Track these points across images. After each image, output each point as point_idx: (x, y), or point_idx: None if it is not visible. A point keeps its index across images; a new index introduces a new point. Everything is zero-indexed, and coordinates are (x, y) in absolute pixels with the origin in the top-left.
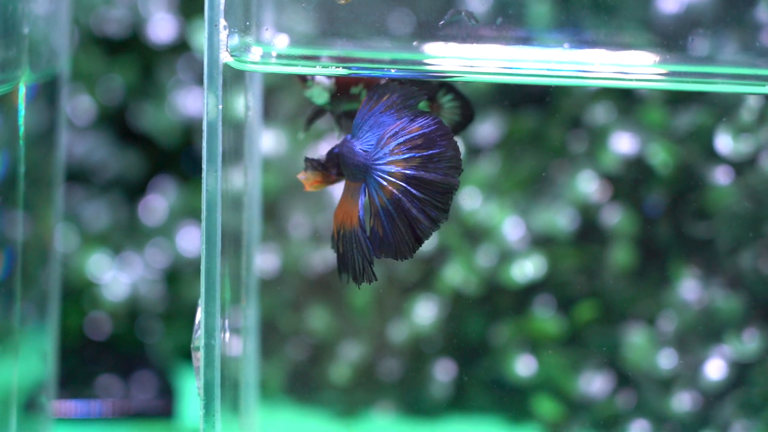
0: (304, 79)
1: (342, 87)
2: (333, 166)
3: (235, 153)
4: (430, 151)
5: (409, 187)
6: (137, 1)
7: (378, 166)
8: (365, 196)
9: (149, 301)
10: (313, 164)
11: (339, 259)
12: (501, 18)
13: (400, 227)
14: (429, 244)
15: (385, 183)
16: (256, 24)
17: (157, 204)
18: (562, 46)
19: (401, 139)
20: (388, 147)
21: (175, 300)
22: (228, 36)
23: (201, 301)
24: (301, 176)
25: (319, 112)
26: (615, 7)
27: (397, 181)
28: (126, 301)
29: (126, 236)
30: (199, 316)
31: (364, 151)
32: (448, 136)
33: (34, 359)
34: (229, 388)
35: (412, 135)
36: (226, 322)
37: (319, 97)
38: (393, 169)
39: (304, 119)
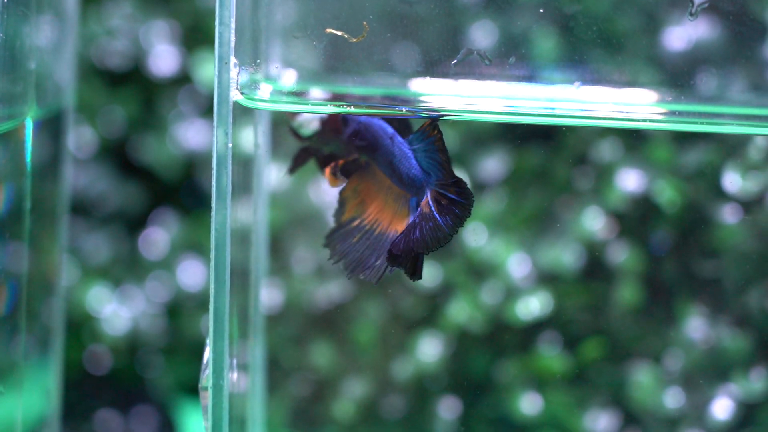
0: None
1: (331, 120)
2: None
3: (243, 189)
4: (461, 213)
5: (434, 221)
6: (139, 33)
7: (433, 192)
8: (413, 213)
9: (150, 335)
10: (338, 171)
11: (348, 246)
12: (513, 57)
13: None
14: (434, 281)
15: (425, 207)
16: (265, 61)
17: (158, 237)
18: (573, 84)
19: (448, 194)
20: (436, 189)
21: (176, 334)
22: (238, 74)
23: (209, 340)
24: (329, 178)
25: (304, 153)
26: (621, 45)
27: (433, 213)
28: (126, 335)
29: (127, 269)
30: (207, 354)
31: (421, 169)
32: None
33: (37, 395)
34: (236, 425)
35: (457, 198)
36: (234, 361)
37: (307, 126)
38: (435, 205)
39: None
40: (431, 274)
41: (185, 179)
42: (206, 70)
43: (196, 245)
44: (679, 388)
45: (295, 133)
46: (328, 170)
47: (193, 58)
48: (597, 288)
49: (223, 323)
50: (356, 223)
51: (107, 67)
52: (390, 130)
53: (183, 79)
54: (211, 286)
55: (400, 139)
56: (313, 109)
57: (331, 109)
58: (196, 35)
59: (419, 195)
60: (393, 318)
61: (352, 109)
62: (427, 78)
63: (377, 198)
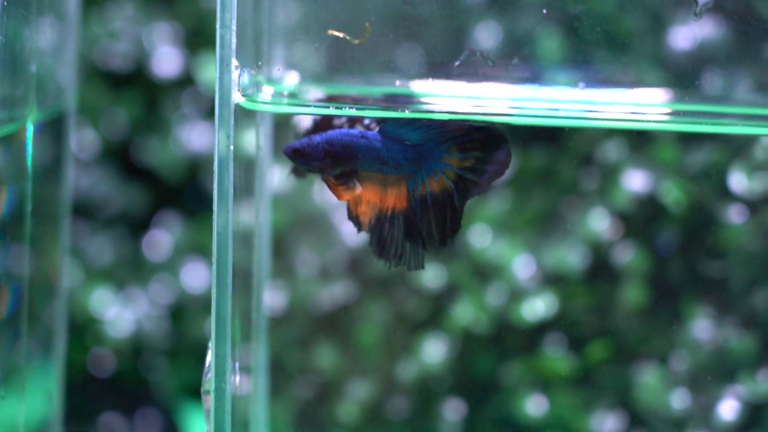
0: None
1: (326, 118)
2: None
3: (245, 191)
4: (484, 153)
5: (455, 189)
6: (142, 35)
7: (434, 160)
8: (415, 184)
9: (154, 337)
10: (347, 183)
11: (379, 242)
12: (516, 58)
13: (431, 219)
14: (438, 282)
15: (436, 178)
16: (267, 63)
17: (161, 239)
18: (577, 85)
19: (461, 140)
20: (446, 145)
21: (180, 337)
22: (239, 76)
23: (211, 344)
24: (341, 191)
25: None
26: (626, 45)
27: (448, 181)
28: (130, 337)
29: (130, 272)
30: (210, 358)
31: (413, 145)
32: (503, 139)
33: (39, 398)
34: (238, 429)
35: (472, 138)
36: (237, 364)
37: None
38: (448, 167)
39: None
40: (435, 275)
41: (189, 181)
42: (209, 72)
43: (199, 247)
44: (685, 390)
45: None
46: (338, 187)
47: (195, 60)
48: (602, 289)
49: (225, 326)
50: (376, 221)
51: (109, 69)
52: (355, 131)
53: (186, 81)
54: (213, 289)
55: (371, 133)
56: (315, 111)
57: (333, 110)
58: (199, 37)
59: (419, 169)
60: (397, 320)
61: (354, 111)
62: (430, 79)
63: (370, 190)
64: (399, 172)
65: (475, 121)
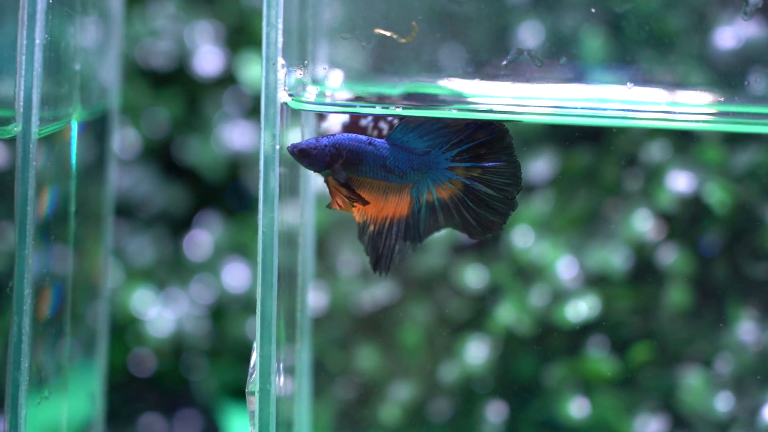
0: (321, 116)
1: (354, 120)
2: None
3: (290, 191)
4: (492, 163)
5: (466, 198)
6: (183, 34)
7: (439, 170)
8: (418, 193)
9: (194, 337)
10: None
11: (376, 253)
12: (564, 57)
13: (440, 222)
14: (481, 283)
15: (444, 187)
16: (312, 62)
17: (202, 239)
18: (625, 84)
19: (464, 146)
20: (450, 153)
21: (220, 336)
22: (285, 75)
23: (256, 344)
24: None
25: None
26: (672, 44)
27: (456, 189)
28: (171, 337)
29: (171, 272)
30: (254, 358)
31: (419, 154)
32: (509, 150)
33: (82, 398)
34: (282, 429)
35: (475, 143)
36: (281, 365)
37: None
38: (454, 176)
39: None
40: (478, 276)
41: (230, 181)
42: (251, 71)
43: (240, 247)
44: (730, 392)
45: None
46: (346, 198)
47: (237, 58)
48: (646, 290)
49: (271, 327)
50: (375, 233)
51: (151, 68)
52: (364, 137)
53: (228, 79)
54: (258, 289)
55: (378, 140)
56: (361, 111)
57: (379, 110)
58: (241, 35)
59: (425, 179)
60: (439, 320)
61: (401, 111)
62: (476, 79)
63: (381, 200)
64: (404, 181)
65: (482, 123)
